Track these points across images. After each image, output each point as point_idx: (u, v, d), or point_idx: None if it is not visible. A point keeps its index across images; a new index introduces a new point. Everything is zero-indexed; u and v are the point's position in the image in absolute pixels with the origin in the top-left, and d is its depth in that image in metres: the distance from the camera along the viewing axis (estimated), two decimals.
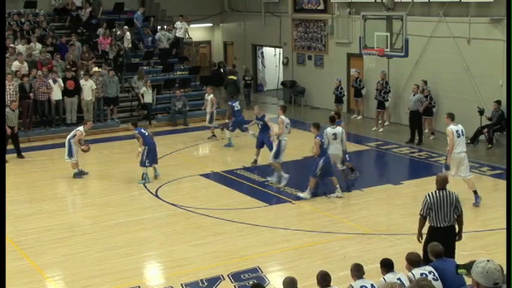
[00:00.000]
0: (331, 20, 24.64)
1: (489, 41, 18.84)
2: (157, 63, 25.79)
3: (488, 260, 5.81)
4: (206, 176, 16.50)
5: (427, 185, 15.27)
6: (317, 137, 14.08)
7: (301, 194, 14.47)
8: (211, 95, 20.19)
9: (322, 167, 14.05)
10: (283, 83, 27.33)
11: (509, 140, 9.30)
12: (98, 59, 23.86)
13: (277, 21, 27.40)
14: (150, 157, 15.69)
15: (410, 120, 19.43)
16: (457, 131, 13.62)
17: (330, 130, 14.71)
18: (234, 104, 19.24)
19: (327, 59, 25.31)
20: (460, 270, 6.66)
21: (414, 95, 19.33)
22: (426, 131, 19.93)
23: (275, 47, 28.73)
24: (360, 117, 23.26)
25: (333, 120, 14.91)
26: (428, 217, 9.87)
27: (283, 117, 15.63)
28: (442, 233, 9.62)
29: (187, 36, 27.16)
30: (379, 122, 21.39)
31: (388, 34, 17.77)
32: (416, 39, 19.94)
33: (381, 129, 21.18)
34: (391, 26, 17.76)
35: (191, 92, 24.71)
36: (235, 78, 26.09)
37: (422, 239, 9.92)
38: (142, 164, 15.66)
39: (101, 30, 24.53)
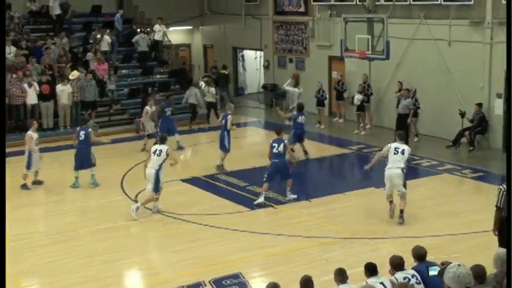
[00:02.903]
0: (312, 23, 24.73)
1: (470, 44, 19.04)
2: (136, 67, 25.71)
3: (459, 265, 5.86)
4: (186, 181, 16.48)
5: (410, 188, 15.37)
6: (272, 141, 14.59)
7: (256, 201, 14.37)
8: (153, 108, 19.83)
9: (271, 169, 14.45)
10: (264, 86, 27.37)
11: (509, 140, 9.46)
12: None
13: (257, 24, 27.45)
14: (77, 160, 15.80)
15: (397, 123, 19.53)
16: (396, 148, 13.27)
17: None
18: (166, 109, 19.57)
19: (308, 62, 25.40)
20: (430, 273, 6.71)
21: (405, 99, 19.43)
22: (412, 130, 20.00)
23: (256, 49, 28.77)
24: (341, 120, 23.35)
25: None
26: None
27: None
28: None
29: (166, 39, 27.11)
30: (361, 125, 21.50)
31: (370, 37, 17.89)
32: (398, 41, 20.08)
33: (363, 132, 21.28)
34: (372, 29, 17.88)
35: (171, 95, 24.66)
36: (226, 72, 26.78)
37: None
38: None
39: (90, 54, 24.13)
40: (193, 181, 16.45)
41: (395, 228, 12.87)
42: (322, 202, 14.54)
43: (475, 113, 18.65)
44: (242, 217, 13.73)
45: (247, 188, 15.62)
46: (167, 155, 13.91)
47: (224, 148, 17.07)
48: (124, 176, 16.80)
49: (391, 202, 13.30)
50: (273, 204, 14.35)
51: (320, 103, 23.05)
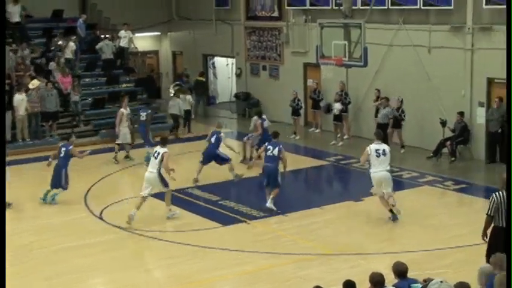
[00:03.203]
0: (286, 28, 24.85)
1: (450, 50, 19.26)
2: (100, 75, 25.59)
3: (441, 281, 5.94)
4: (155, 195, 16.38)
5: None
6: (266, 144, 15.15)
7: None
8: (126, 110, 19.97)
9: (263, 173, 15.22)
10: (236, 95, 27.39)
11: (509, 141, 9.62)
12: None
13: (229, 30, 27.50)
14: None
15: None
16: (377, 150, 13.95)
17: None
18: (142, 113, 19.66)
19: (283, 70, 25.50)
20: None
21: (384, 108, 19.58)
22: (398, 142, 20.13)
23: (227, 56, 28.79)
24: (318, 130, 23.44)
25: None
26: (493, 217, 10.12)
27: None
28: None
29: (132, 45, 27.01)
30: (338, 135, 21.60)
31: (346, 43, 17.98)
32: (376, 47, 20.25)
33: (340, 143, 21.38)
34: (349, 34, 17.98)
35: (137, 106, 24.54)
36: (203, 79, 27.15)
37: (487, 238, 10.19)
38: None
39: (53, 64, 23.90)
40: (160, 196, 16.29)
41: (374, 243, 12.94)
42: (298, 217, 14.56)
43: (457, 122, 18.84)
44: (215, 233, 13.70)
45: (220, 202, 15.60)
46: (162, 158, 14.15)
47: (224, 160, 17.23)
48: (88, 192, 16.67)
49: (384, 200, 14.13)
50: (246, 220, 14.35)
51: (295, 113, 23.13)
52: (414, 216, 14.42)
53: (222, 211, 15.00)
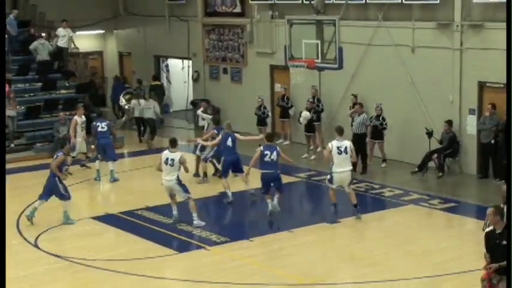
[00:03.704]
0: (250, 26, 24.94)
1: (436, 50, 19.48)
2: (35, 80, 25.37)
3: None
4: (99, 218, 16.28)
5: (369, 223, 15.58)
6: (261, 147, 15.73)
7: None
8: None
9: (262, 184, 15.79)
10: (193, 103, 27.36)
11: (509, 141, 9.81)
12: None
13: (184, 27, 27.51)
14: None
15: (353, 145, 19.75)
16: (338, 148, 15.18)
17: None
18: (98, 124, 19.65)
19: (246, 73, 25.57)
20: None
21: (359, 115, 19.74)
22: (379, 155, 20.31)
23: (183, 58, 28.79)
24: (287, 142, 23.49)
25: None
26: None
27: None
28: None
29: (72, 45, 26.86)
30: (311, 148, 21.68)
31: (319, 42, 18.13)
32: (352, 47, 20.42)
33: (313, 157, 21.46)
34: (322, 33, 18.13)
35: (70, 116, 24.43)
36: (159, 83, 27.86)
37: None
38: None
39: None
40: (108, 219, 16.28)
41: (353, 271, 13.00)
42: (265, 241, 14.58)
43: (444, 132, 19.03)
44: (168, 261, 13.64)
45: (175, 225, 15.55)
46: (181, 164, 15.18)
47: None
48: (21, 215, 16.49)
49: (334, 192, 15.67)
50: (205, 246, 14.32)
51: (261, 122, 23.19)
52: (397, 239, 14.53)
53: (178, 236, 14.96)
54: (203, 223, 15.40)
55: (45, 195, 15.93)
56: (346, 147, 15.30)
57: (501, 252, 9.41)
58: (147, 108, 24.31)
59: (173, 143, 15.48)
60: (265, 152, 15.45)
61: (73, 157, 19.66)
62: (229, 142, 17.17)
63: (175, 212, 15.63)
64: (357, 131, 19.65)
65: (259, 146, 16.06)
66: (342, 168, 15.35)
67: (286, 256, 13.81)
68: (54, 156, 16.17)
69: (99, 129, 19.61)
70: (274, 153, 15.49)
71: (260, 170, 15.69)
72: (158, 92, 27.26)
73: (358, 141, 19.28)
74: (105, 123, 19.79)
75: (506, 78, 10.12)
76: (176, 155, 15.22)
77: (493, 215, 9.53)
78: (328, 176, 15.77)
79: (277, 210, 15.75)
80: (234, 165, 17.38)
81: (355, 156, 16.30)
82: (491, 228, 9.67)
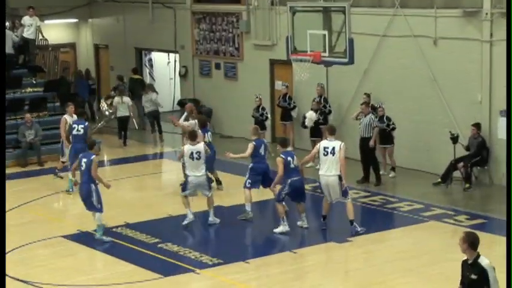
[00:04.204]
0: (246, 13, 24.95)
1: (462, 41, 19.47)
2: None
3: None
4: (72, 237, 16.25)
5: (385, 242, 15.55)
6: (281, 155, 15.94)
7: (277, 230, 15.93)
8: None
9: (288, 189, 15.81)
10: (180, 103, 27.34)
11: (509, 142, 9.84)
12: None
13: (170, 16, 27.52)
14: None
15: (361, 151, 19.79)
16: (325, 148, 15.51)
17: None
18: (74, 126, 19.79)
19: (242, 68, 25.59)
20: None
21: (365, 116, 19.73)
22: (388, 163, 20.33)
23: (168, 51, 28.80)
24: (289, 148, 23.43)
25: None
26: None
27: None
28: None
29: (40, 36, 26.84)
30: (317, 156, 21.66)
31: (326, 33, 18.11)
32: (365, 39, 20.42)
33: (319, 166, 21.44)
34: (330, 22, 18.12)
35: (47, 118, 24.40)
36: (140, 77, 28.24)
37: None
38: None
39: None
40: (81, 238, 16.25)
41: None
42: (264, 264, 14.57)
43: (472, 137, 19.01)
44: (152, 287, 13.60)
45: (159, 245, 15.53)
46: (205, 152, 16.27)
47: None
48: None
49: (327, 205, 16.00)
50: (195, 269, 14.30)
51: (259, 125, 23.07)
52: (417, 262, 14.48)
53: (162, 257, 14.93)
54: (218, 220, 16.51)
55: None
56: (334, 148, 15.51)
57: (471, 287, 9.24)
58: (146, 101, 25.57)
59: (193, 136, 16.36)
60: (288, 159, 15.87)
61: (63, 162, 19.99)
62: (261, 150, 17.34)
63: (191, 216, 16.30)
64: (364, 135, 19.65)
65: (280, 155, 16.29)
66: (327, 172, 15.63)
67: (288, 281, 13.77)
68: (82, 162, 16.01)
69: (75, 131, 19.61)
70: (295, 158, 15.99)
71: (287, 178, 15.84)
72: (138, 88, 27.30)
73: (366, 145, 19.33)
74: (82, 125, 19.77)
75: (506, 78, 10.11)
76: (200, 147, 16.22)
77: (461, 242, 9.20)
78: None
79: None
80: (265, 176, 17.37)
81: (344, 160, 15.75)
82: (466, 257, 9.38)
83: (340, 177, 15.52)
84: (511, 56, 8.01)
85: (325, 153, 15.54)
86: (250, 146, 17.13)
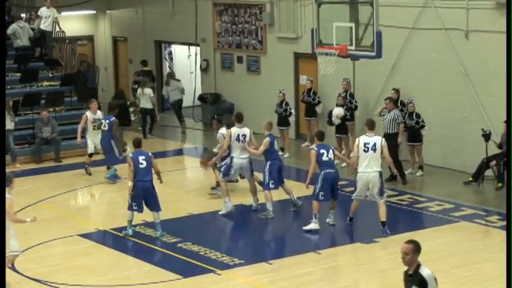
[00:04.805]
0: (270, 5, 24.95)
1: (495, 34, 19.35)
2: (12, 70, 25.46)
3: None
4: (88, 236, 16.30)
5: None
6: (315, 148, 16.21)
7: (307, 227, 15.98)
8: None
9: (322, 182, 15.91)
10: (201, 98, 27.38)
11: (509, 143, 9.77)
12: None
13: (191, 8, 27.54)
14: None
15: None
16: (365, 144, 15.46)
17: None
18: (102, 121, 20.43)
19: (265, 62, 25.58)
20: None
21: (389, 112, 19.68)
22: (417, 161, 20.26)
23: (189, 44, 28.83)
24: (314, 145, 23.42)
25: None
26: None
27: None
28: None
29: (57, 29, 26.95)
30: (343, 152, 21.61)
31: (353, 25, 18.08)
32: (393, 32, 20.36)
33: (345, 164, 21.38)
34: (357, 14, 18.08)
35: (64, 113, 24.49)
36: (150, 69, 28.51)
37: None
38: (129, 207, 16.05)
39: None
40: (98, 237, 16.30)
41: None
42: (287, 264, 14.53)
43: (505, 135, 18.93)
44: None
45: (179, 245, 15.55)
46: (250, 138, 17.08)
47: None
48: None
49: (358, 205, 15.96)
50: (215, 269, 14.29)
51: (283, 121, 23.12)
52: (446, 263, 14.41)
53: (182, 257, 14.95)
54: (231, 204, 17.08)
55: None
56: (375, 144, 15.51)
57: None
58: (172, 90, 26.48)
59: (239, 118, 17.33)
60: (322, 151, 15.90)
61: (90, 156, 20.76)
62: (276, 145, 17.59)
63: (230, 204, 17.01)
64: (388, 131, 19.55)
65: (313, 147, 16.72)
66: (367, 168, 15.55)
67: (314, 282, 13.76)
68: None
69: (102, 127, 20.22)
70: (330, 151, 16.01)
71: (320, 171, 15.96)
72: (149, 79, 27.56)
73: (390, 142, 19.23)
74: (108, 120, 19.95)
75: (506, 78, 10.03)
76: (246, 130, 17.12)
77: (412, 253, 8.76)
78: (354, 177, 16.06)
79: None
80: (280, 174, 17.48)
81: (389, 156, 16.14)
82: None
83: (380, 174, 15.57)
84: (511, 55, 7.97)
85: (366, 149, 15.52)
86: (266, 143, 17.16)
